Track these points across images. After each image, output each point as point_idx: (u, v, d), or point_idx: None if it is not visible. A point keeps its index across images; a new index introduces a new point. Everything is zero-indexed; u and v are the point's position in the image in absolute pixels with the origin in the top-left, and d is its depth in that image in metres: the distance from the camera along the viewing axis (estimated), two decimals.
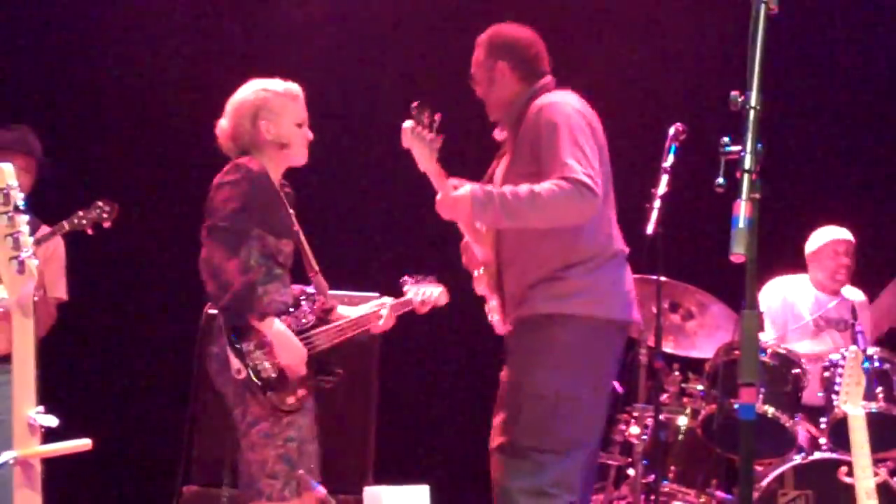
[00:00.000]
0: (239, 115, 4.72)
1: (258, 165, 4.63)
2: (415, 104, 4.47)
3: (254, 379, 4.48)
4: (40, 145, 5.73)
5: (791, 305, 6.78)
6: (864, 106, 7.71)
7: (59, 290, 5.75)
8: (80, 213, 5.58)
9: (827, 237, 6.84)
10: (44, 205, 5.36)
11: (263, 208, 4.61)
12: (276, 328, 4.49)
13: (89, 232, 5.59)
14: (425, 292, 5.04)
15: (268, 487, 4.50)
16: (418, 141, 4.47)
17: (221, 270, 4.45)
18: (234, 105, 4.76)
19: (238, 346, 4.50)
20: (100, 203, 5.61)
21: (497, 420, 4.65)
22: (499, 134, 4.87)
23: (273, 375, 4.51)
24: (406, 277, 5.08)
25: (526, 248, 4.62)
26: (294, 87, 4.79)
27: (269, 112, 4.70)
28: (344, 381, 5.45)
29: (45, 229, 5.57)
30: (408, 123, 4.47)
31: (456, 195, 4.51)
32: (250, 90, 4.76)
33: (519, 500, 4.47)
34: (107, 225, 5.60)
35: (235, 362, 4.49)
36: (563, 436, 4.54)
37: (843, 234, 6.83)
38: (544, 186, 4.42)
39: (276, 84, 4.77)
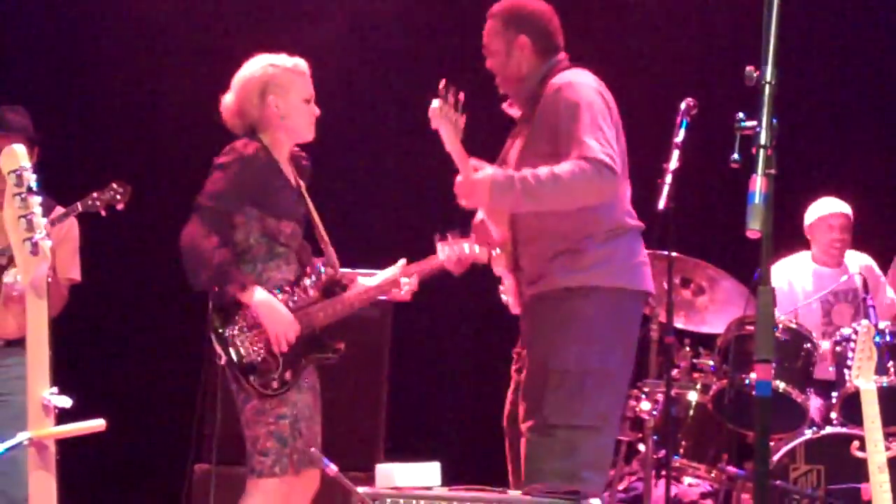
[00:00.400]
0: (246, 91, 4.66)
1: (254, 147, 4.58)
2: (442, 83, 4.42)
3: (235, 364, 4.48)
4: (29, 122, 5.69)
5: (798, 288, 6.77)
6: (866, 77, 7.69)
7: (73, 272, 5.74)
8: (95, 195, 5.58)
9: (821, 211, 6.83)
10: (57, 186, 5.36)
11: (259, 190, 4.56)
12: (259, 297, 4.44)
13: (102, 213, 5.58)
14: (459, 250, 4.84)
15: (259, 464, 4.51)
16: (446, 121, 4.43)
17: (197, 248, 4.44)
18: (240, 81, 4.69)
19: (221, 330, 4.48)
20: (114, 185, 5.60)
21: (525, 401, 4.62)
22: (508, 108, 4.84)
23: (256, 360, 4.48)
24: (440, 235, 4.88)
25: (543, 226, 4.59)
26: (301, 63, 4.72)
27: (277, 87, 4.64)
28: (355, 358, 5.44)
29: (59, 210, 5.56)
30: (435, 103, 4.42)
31: (475, 178, 4.47)
32: (257, 65, 4.69)
33: (552, 482, 4.38)
34: (120, 207, 5.60)
35: (217, 347, 4.48)
36: (594, 410, 4.50)
37: (837, 206, 6.80)
38: (564, 168, 4.39)
39: (284, 59, 4.70)
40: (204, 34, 7.61)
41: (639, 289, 4.62)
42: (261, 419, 4.51)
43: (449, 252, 4.82)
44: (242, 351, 4.48)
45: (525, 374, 4.70)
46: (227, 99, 4.72)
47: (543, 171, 4.40)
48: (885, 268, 6.92)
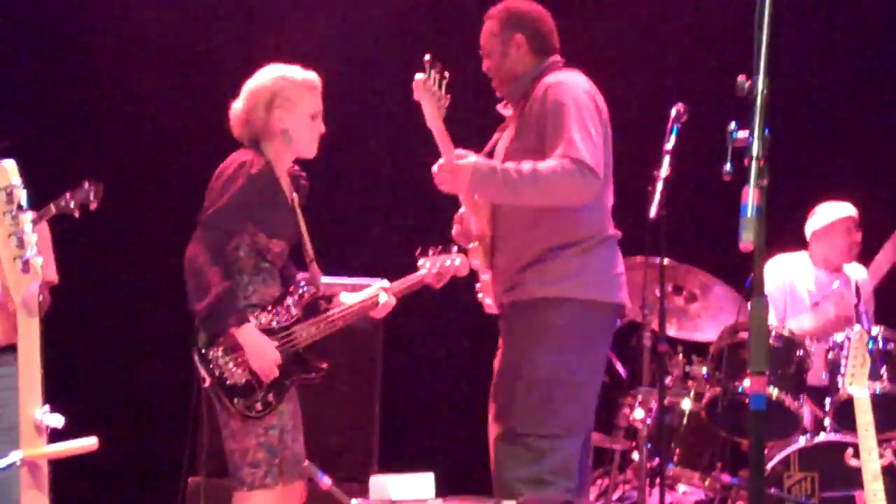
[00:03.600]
0: (254, 101, 4.64)
1: (259, 165, 4.56)
2: (427, 57, 4.41)
3: (219, 386, 4.47)
4: None
5: (791, 285, 6.74)
6: (858, 82, 7.69)
7: (50, 274, 5.68)
8: (67, 195, 5.51)
9: (838, 213, 6.71)
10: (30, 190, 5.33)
11: (259, 209, 4.56)
12: (248, 333, 4.45)
13: (76, 215, 5.52)
14: (440, 264, 4.89)
15: (249, 476, 4.49)
16: (429, 95, 4.41)
17: (203, 273, 4.42)
18: (250, 90, 4.67)
19: (204, 351, 4.48)
20: (86, 183, 5.54)
21: (493, 408, 4.63)
22: (503, 108, 4.83)
23: (240, 382, 4.48)
24: (420, 250, 4.94)
25: (521, 224, 4.60)
26: (312, 77, 4.69)
27: (284, 100, 4.61)
28: (347, 369, 5.42)
29: (32, 214, 5.49)
30: (419, 76, 4.41)
31: (457, 164, 4.47)
32: (268, 76, 4.66)
33: (518, 490, 4.44)
34: (94, 206, 5.53)
35: (201, 370, 4.48)
36: (560, 420, 4.52)
37: (851, 209, 6.73)
38: (548, 164, 4.40)
39: (295, 72, 4.67)
40: (186, 35, 7.57)
41: (611, 301, 4.62)
42: (250, 431, 4.50)
43: (430, 266, 4.88)
44: (226, 373, 4.48)
45: (495, 378, 4.71)
46: (236, 106, 4.70)
47: (527, 165, 4.41)
48: None
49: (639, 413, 5.90)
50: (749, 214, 2.72)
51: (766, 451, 5.90)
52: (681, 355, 6.23)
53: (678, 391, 6.17)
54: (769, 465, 5.78)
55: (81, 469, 4.96)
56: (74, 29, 7.53)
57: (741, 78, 2.83)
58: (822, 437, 5.84)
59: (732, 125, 2.82)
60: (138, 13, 7.50)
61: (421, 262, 4.91)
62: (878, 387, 5.66)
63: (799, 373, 5.96)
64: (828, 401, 5.91)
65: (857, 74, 7.67)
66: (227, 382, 4.48)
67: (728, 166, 2.83)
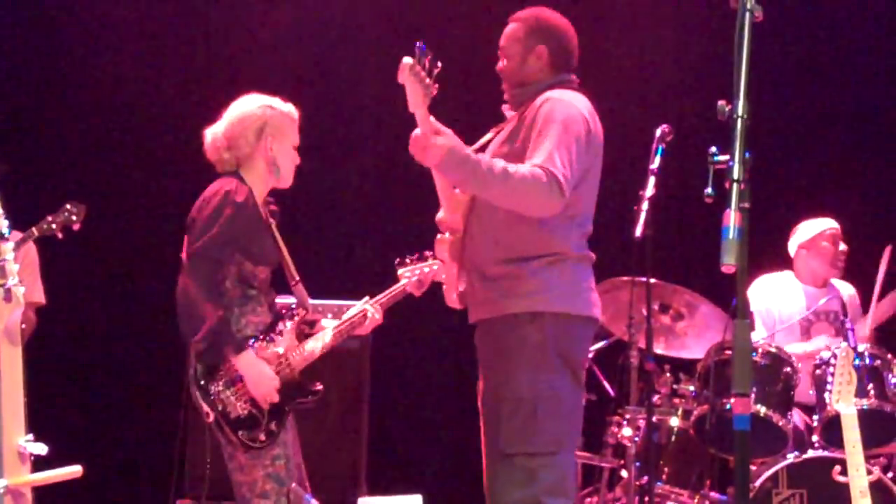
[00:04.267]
0: (242, 128, 4.65)
1: (244, 193, 4.58)
2: (419, 43, 4.36)
3: (223, 420, 4.47)
4: None
5: (779, 305, 6.77)
6: (842, 101, 7.74)
7: (37, 295, 5.70)
8: (49, 218, 5.54)
9: (821, 226, 6.80)
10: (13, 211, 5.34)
11: (245, 237, 4.57)
12: (246, 360, 4.46)
13: (59, 236, 5.54)
14: (420, 271, 4.96)
15: None
16: (414, 79, 4.34)
17: (196, 304, 4.42)
18: (236, 116, 4.68)
19: (206, 386, 4.47)
20: (68, 206, 5.56)
21: (484, 433, 4.62)
22: (507, 110, 4.81)
23: (243, 414, 4.48)
24: (399, 260, 4.98)
25: (494, 226, 4.55)
26: (294, 110, 4.76)
27: (275, 130, 4.66)
28: (335, 391, 5.41)
29: (16, 235, 5.52)
30: (408, 59, 4.31)
31: (433, 141, 4.41)
32: (255, 104, 4.69)
33: None
34: (76, 227, 5.56)
35: (203, 406, 4.47)
36: (547, 436, 4.47)
37: (834, 222, 6.81)
38: (519, 168, 4.36)
39: (280, 103, 4.72)
40: (174, 58, 7.59)
41: (584, 314, 4.59)
42: (257, 462, 4.50)
43: (410, 275, 4.93)
44: (229, 407, 4.47)
45: (481, 401, 4.69)
46: (217, 132, 4.69)
47: (500, 163, 4.38)
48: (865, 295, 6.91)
49: (627, 431, 5.90)
50: (730, 237, 2.73)
51: (754, 468, 5.91)
52: (668, 373, 6.23)
53: (666, 409, 6.16)
54: (758, 482, 5.78)
55: (65, 495, 4.95)
56: (53, 47, 7.54)
57: (721, 102, 2.84)
58: (809, 453, 5.84)
59: (713, 149, 2.83)
60: (119, 29, 7.53)
61: (400, 271, 4.97)
62: (864, 403, 5.67)
63: (786, 390, 5.97)
64: (815, 417, 5.93)
65: (838, 92, 7.72)
66: (231, 416, 4.47)
67: (709, 189, 2.84)
